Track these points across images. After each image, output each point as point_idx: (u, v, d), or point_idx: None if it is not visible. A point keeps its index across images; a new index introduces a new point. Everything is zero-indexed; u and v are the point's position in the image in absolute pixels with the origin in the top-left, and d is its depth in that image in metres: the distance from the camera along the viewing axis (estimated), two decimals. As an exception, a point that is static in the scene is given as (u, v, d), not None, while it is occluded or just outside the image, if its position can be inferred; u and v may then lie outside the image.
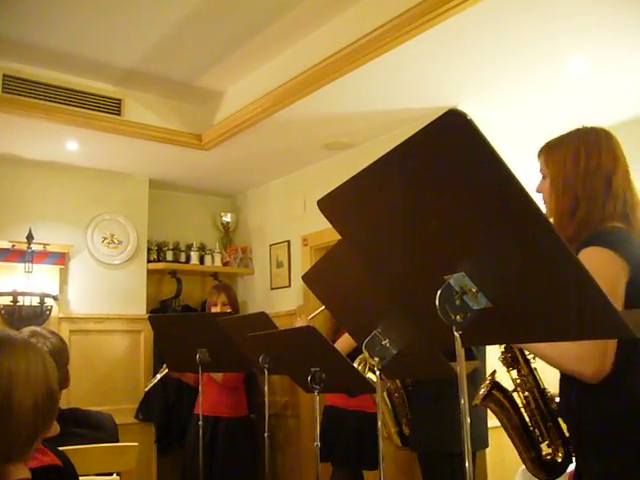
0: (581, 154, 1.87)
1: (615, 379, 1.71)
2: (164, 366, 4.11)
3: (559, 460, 2.20)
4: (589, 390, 1.77)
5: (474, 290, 1.13)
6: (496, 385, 2.38)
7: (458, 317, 1.13)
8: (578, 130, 1.95)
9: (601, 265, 1.72)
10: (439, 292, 1.12)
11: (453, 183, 1.00)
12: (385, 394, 3.12)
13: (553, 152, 1.96)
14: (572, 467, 2.12)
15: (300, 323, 4.01)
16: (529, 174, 2.28)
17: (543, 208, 2.00)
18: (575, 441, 1.97)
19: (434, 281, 1.14)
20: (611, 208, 1.83)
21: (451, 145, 0.92)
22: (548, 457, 2.23)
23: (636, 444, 1.72)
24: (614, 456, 1.76)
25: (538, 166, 2.02)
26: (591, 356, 1.68)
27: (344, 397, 3.86)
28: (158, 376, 4.39)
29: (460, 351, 1.16)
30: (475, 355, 2.83)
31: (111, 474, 2.09)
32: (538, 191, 1.99)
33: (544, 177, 1.99)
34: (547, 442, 2.20)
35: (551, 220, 1.93)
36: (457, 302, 1.13)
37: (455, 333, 1.14)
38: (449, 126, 0.90)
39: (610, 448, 1.77)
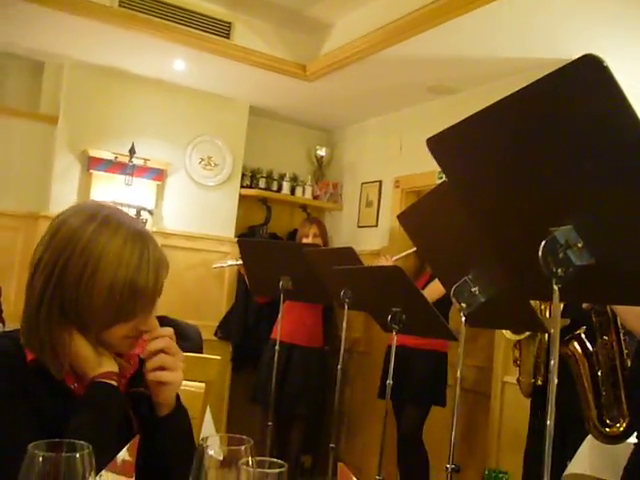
0: None
1: None
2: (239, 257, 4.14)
3: (621, 429, 2.19)
4: None
5: (580, 245, 1.10)
6: (579, 337, 2.40)
7: (559, 270, 1.11)
8: None
9: None
10: (543, 243, 1.10)
11: (577, 131, 0.97)
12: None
13: None
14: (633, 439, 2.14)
15: (384, 263, 4.02)
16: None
17: None
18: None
19: (538, 231, 1.12)
20: None
21: (583, 91, 0.89)
22: (608, 422, 2.24)
23: None
24: None
25: None
26: None
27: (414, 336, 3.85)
28: (229, 262, 4.54)
29: (557, 306, 1.15)
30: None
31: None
32: None
33: None
34: (614, 408, 2.21)
35: None
36: (560, 255, 1.11)
37: (554, 286, 1.13)
38: (584, 71, 0.86)
39: None
